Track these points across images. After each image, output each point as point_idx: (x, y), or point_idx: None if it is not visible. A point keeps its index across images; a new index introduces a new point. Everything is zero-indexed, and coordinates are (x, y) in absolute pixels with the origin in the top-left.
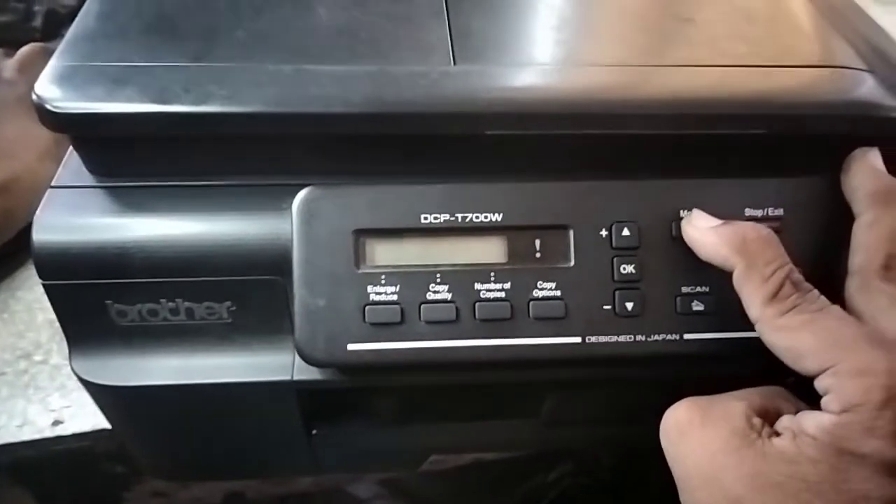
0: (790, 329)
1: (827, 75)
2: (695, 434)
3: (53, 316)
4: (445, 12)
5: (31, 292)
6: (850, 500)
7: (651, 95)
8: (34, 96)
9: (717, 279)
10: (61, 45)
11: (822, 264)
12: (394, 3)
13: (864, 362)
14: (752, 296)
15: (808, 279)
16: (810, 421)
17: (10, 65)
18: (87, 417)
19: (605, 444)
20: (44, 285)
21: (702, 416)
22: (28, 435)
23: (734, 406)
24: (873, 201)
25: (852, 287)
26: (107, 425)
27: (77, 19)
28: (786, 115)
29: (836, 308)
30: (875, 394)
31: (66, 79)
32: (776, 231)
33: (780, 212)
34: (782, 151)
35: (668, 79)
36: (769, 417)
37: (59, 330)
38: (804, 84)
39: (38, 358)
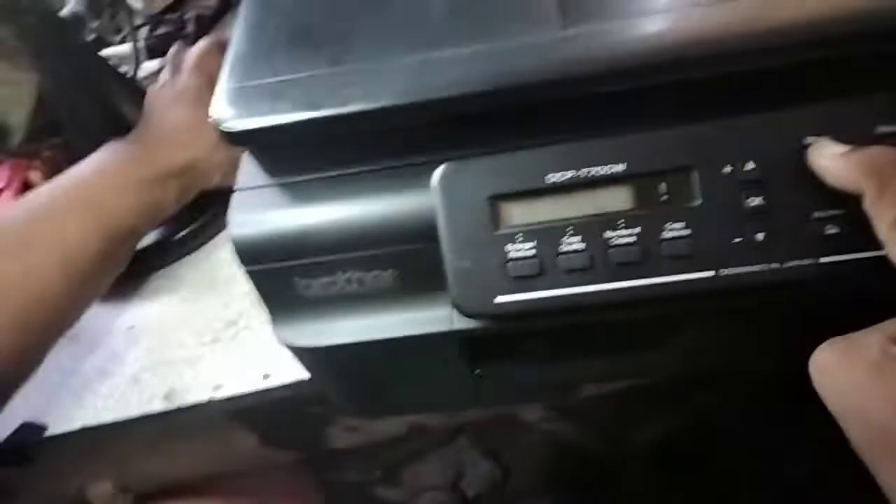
0: None
1: None
2: (836, 373)
3: (248, 288)
4: None
5: (229, 268)
6: None
7: (763, 27)
8: (210, 118)
9: (851, 200)
10: (224, 70)
11: None
12: None
13: None
14: (882, 217)
15: None
16: None
17: (189, 59)
18: (289, 370)
19: (744, 369)
20: (245, 270)
21: (840, 354)
22: (246, 387)
23: (869, 338)
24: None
25: None
26: (306, 375)
27: (231, 44)
28: None
29: None
30: None
31: (234, 100)
32: None
33: None
34: None
35: (779, 6)
36: None
37: (254, 299)
38: None
39: (242, 324)
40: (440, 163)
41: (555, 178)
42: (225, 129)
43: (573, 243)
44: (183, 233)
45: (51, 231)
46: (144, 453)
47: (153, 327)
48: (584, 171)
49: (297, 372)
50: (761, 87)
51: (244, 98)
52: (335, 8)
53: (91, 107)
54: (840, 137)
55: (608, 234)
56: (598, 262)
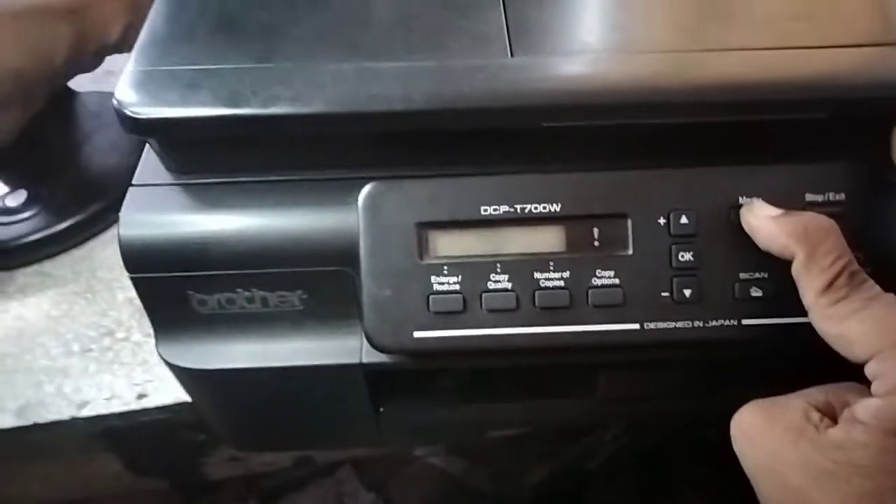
0: (840, 317)
1: (888, 54)
2: (757, 433)
3: (132, 294)
4: (501, 1)
5: (110, 272)
6: None
7: (709, 82)
8: (114, 101)
9: (776, 265)
10: (135, 50)
11: (884, 247)
12: None
13: None
14: (809, 285)
15: (869, 262)
16: (860, 407)
17: None
18: (169, 391)
19: (657, 419)
20: (131, 278)
21: (763, 416)
22: (116, 407)
23: (792, 404)
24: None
25: None
26: (187, 398)
27: (146, 22)
28: (846, 99)
29: (888, 296)
30: None
31: (143, 84)
32: (837, 215)
33: (841, 196)
34: (843, 134)
35: (725, 64)
36: (833, 412)
37: (139, 308)
38: (864, 64)
39: (120, 335)
40: (367, 180)
41: (489, 210)
42: (129, 115)
43: (500, 281)
44: (62, 225)
45: None
46: None
47: (12, 330)
48: (518, 207)
49: (177, 394)
50: (701, 142)
51: (155, 83)
52: (267, 1)
53: None
54: (772, 200)
55: (537, 274)
56: (525, 304)
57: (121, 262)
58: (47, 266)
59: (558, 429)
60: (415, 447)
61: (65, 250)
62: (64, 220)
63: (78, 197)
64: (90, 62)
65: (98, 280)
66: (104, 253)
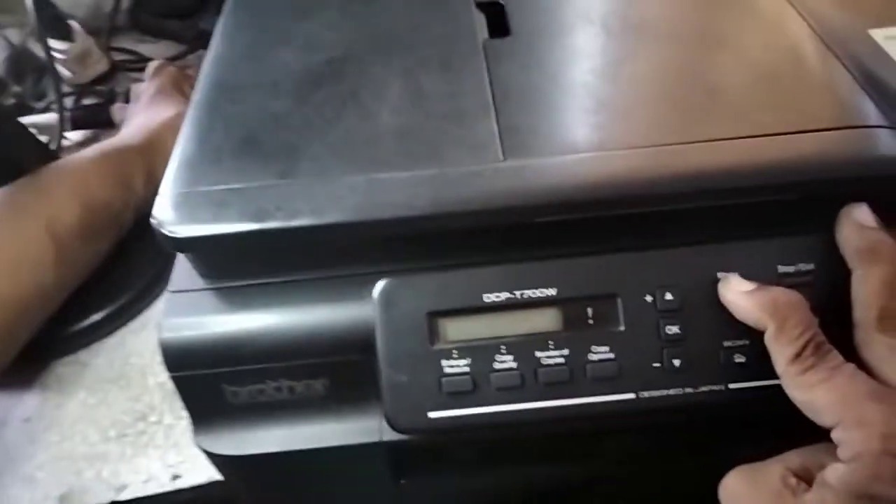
0: (808, 386)
1: (849, 137)
2: (741, 497)
3: (163, 379)
4: (493, 107)
5: (142, 358)
6: None
7: (684, 174)
8: (153, 220)
9: (756, 332)
10: (168, 173)
11: (850, 313)
12: (446, 101)
13: (862, 415)
14: (779, 354)
15: (837, 327)
16: (830, 472)
17: (147, 72)
18: (200, 471)
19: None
20: (171, 377)
21: (745, 481)
22: (153, 489)
23: (772, 469)
24: (859, 258)
25: (856, 339)
26: (218, 477)
27: (177, 147)
28: (809, 181)
29: (850, 366)
30: (874, 443)
31: (179, 205)
32: (807, 284)
33: (810, 266)
34: (809, 210)
35: (699, 156)
36: (810, 474)
37: (169, 392)
38: (828, 149)
39: (153, 419)
40: (379, 275)
41: (491, 297)
42: (167, 234)
43: (506, 361)
44: (94, 317)
45: (35, 198)
46: None
47: (52, 420)
48: (518, 293)
49: (209, 473)
50: (681, 224)
51: (189, 203)
52: (284, 121)
53: None
54: (747, 274)
55: (538, 353)
56: (529, 381)
57: (150, 348)
58: (80, 356)
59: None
60: None
61: (97, 339)
62: (96, 311)
63: (107, 289)
64: None
65: (131, 366)
66: (136, 340)
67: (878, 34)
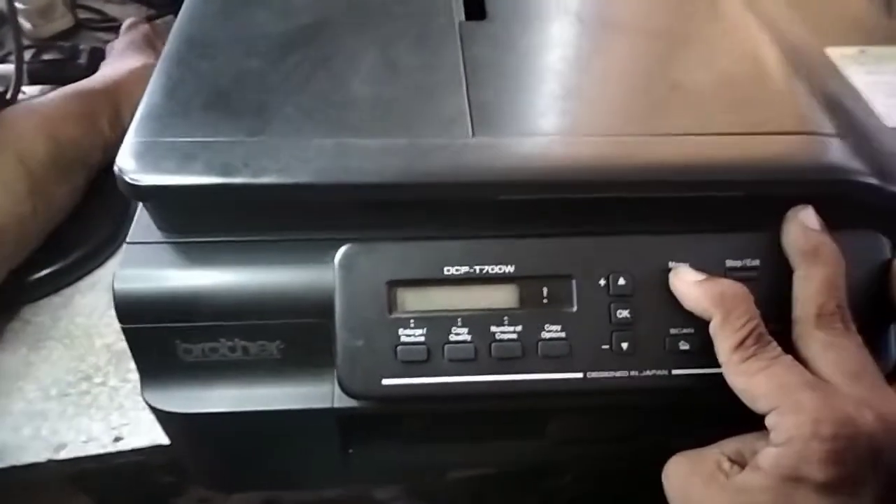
0: (748, 374)
1: (798, 142)
2: (681, 480)
3: (110, 341)
4: (465, 85)
5: (88, 318)
6: None
7: (643, 164)
8: (116, 168)
9: (701, 322)
10: (135, 122)
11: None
12: (419, 74)
13: (797, 402)
14: (723, 342)
15: (780, 321)
16: (762, 456)
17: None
18: (143, 434)
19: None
20: (122, 328)
21: (686, 465)
22: (93, 450)
23: (709, 454)
24: (802, 258)
25: (794, 334)
26: (162, 441)
27: (145, 96)
28: (760, 181)
29: (788, 357)
30: (805, 428)
31: (142, 154)
32: (753, 279)
33: (756, 262)
34: (758, 209)
35: (658, 148)
36: (744, 459)
37: (116, 354)
38: (777, 151)
39: (97, 380)
40: (342, 242)
41: (451, 270)
42: (129, 182)
43: (461, 334)
44: (41, 273)
45: (2, 132)
46: None
47: None
48: (477, 268)
49: (152, 437)
50: (638, 213)
51: (154, 153)
52: (257, 80)
53: None
54: (697, 266)
55: (493, 328)
56: (482, 354)
57: (99, 309)
58: (24, 312)
59: (516, 473)
60: (379, 487)
61: (43, 296)
62: (44, 267)
63: (59, 244)
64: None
65: (76, 326)
66: (83, 300)
67: (833, 52)
